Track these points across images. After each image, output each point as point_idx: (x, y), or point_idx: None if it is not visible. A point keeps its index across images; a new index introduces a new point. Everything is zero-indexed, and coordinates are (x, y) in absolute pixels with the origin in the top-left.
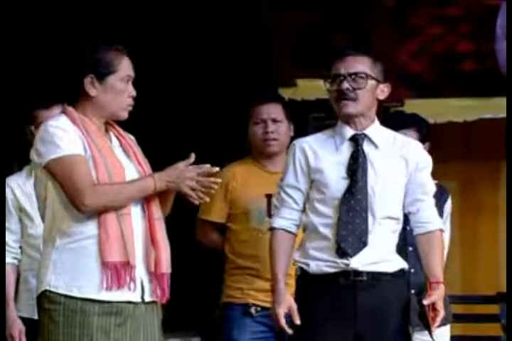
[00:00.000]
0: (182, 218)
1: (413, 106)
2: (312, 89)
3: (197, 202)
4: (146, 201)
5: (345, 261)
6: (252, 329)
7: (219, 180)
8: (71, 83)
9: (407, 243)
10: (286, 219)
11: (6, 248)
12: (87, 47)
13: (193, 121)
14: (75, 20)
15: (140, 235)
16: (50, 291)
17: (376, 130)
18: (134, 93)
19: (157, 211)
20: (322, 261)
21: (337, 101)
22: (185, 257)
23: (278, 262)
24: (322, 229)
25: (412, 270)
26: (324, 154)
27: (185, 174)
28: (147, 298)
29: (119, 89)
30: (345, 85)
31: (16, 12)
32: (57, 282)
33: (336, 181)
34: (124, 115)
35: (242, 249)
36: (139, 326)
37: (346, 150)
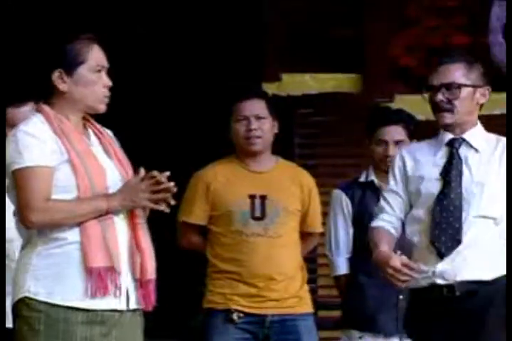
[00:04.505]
0: (160, 220)
1: (404, 101)
2: (298, 83)
3: (163, 209)
4: None
5: (436, 269)
6: (235, 336)
7: (171, 184)
8: (39, 80)
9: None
10: (384, 220)
11: None
12: (51, 40)
13: (174, 117)
14: (63, 17)
15: (124, 240)
16: (29, 298)
17: (476, 134)
18: (109, 83)
19: (140, 215)
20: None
21: (434, 112)
22: (164, 261)
23: (380, 243)
24: (416, 231)
25: None
26: (422, 159)
27: (138, 188)
28: (132, 306)
29: (90, 80)
30: (439, 97)
31: None
32: (37, 288)
33: (431, 183)
34: (102, 108)
35: (225, 253)
36: (124, 335)
37: (443, 154)
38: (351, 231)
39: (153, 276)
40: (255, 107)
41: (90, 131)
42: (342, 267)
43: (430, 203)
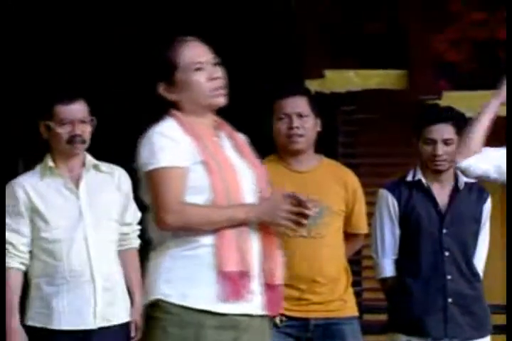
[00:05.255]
0: None
1: (451, 98)
2: (341, 80)
3: (295, 229)
4: None
5: None
6: (278, 340)
7: (311, 212)
8: (154, 97)
9: (443, 247)
10: None
11: (13, 251)
12: (142, 55)
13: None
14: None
15: (256, 244)
16: (162, 300)
17: None
18: (214, 75)
19: None
20: None
21: None
22: None
23: None
24: None
25: (449, 276)
26: None
27: (281, 206)
28: (262, 311)
29: (190, 81)
30: None
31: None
32: (170, 291)
33: None
34: (219, 101)
35: None
36: (254, 340)
37: None
38: (398, 232)
39: (281, 282)
40: (297, 105)
41: (222, 133)
42: (388, 269)
43: None
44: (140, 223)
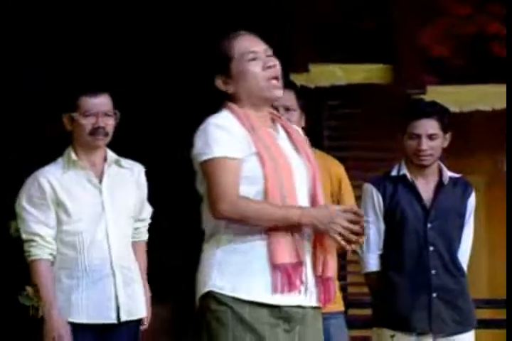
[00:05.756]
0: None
1: (436, 93)
2: (327, 75)
3: (349, 249)
4: (313, 200)
5: None
6: None
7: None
8: (212, 91)
9: (428, 242)
10: None
11: (43, 243)
12: (198, 50)
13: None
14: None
15: (307, 236)
16: (215, 292)
17: None
18: (269, 63)
19: None
20: None
21: None
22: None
23: None
24: None
25: (434, 271)
26: None
27: (337, 219)
28: (314, 303)
29: (246, 71)
30: None
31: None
32: (223, 283)
33: None
34: (275, 92)
35: None
36: (307, 332)
37: None
38: (382, 227)
39: (334, 274)
40: (284, 98)
41: (279, 126)
42: (373, 264)
43: None
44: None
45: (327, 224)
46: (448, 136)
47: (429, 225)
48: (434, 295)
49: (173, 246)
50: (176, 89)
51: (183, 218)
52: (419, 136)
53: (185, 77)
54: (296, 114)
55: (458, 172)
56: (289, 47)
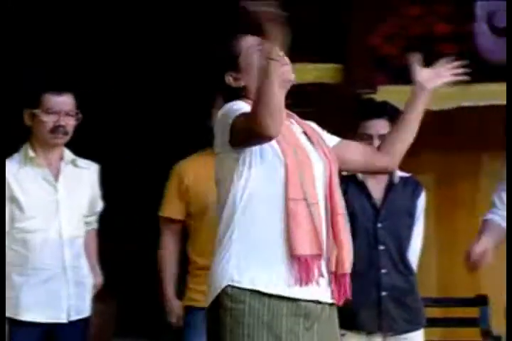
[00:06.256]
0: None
1: (387, 92)
2: (296, 72)
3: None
4: (330, 191)
5: None
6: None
7: None
8: (222, 89)
9: (378, 241)
10: (494, 213)
11: None
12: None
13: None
14: None
15: (325, 230)
16: (232, 286)
17: None
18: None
19: (341, 204)
20: None
21: None
22: (143, 256)
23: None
24: None
25: (384, 270)
26: None
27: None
28: (330, 299)
29: (252, 62)
30: None
31: None
32: (241, 277)
33: None
34: (287, 76)
35: (204, 247)
36: (324, 330)
37: None
38: None
39: (349, 271)
40: None
41: (292, 120)
42: None
43: None
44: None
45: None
46: None
47: (379, 224)
48: (384, 293)
49: (122, 242)
50: (134, 90)
51: (136, 215)
52: (370, 136)
53: (142, 79)
54: None
55: (408, 172)
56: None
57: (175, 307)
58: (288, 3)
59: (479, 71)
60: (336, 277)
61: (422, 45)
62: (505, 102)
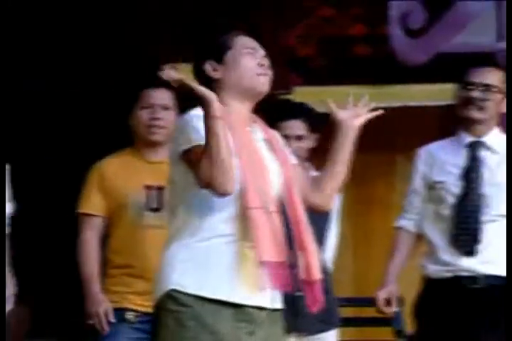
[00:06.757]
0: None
1: (302, 93)
2: (192, 76)
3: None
4: (290, 198)
5: (459, 262)
6: (129, 336)
7: None
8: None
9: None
10: (406, 219)
11: None
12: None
13: (79, 111)
14: None
15: (284, 233)
16: (177, 291)
17: (494, 136)
18: (264, 62)
19: (302, 212)
20: (439, 265)
21: (462, 106)
22: (53, 255)
23: (394, 254)
24: (437, 230)
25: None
26: (444, 160)
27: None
28: (277, 305)
29: (238, 62)
30: (476, 94)
31: None
32: (186, 281)
33: (452, 184)
34: (262, 87)
35: (120, 246)
36: (268, 335)
37: (464, 155)
38: None
39: (318, 277)
40: (164, 97)
41: (256, 126)
42: None
43: (451, 203)
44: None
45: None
46: (316, 136)
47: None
48: (299, 293)
49: (36, 245)
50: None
51: (49, 217)
52: (287, 138)
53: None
54: (172, 114)
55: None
56: (156, 44)
57: (104, 302)
58: (195, 4)
59: (394, 73)
60: (306, 284)
61: (337, 47)
62: (419, 103)
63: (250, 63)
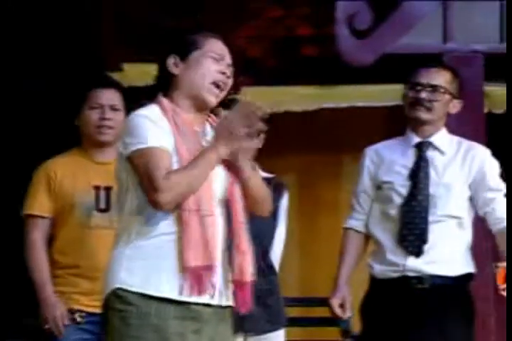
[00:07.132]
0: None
1: (250, 94)
2: (141, 74)
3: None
4: (231, 201)
5: (406, 262)
6: (76, 337)
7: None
8: (159, 67)
9: None
10: (355, 219)
11: None
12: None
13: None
14: None
15: (222, 239)
16: (122, 289)
17: (442, 137)
18: (226, 71)
19: (242, 213)
20: (385, 265)
21: (410, 107)
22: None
23: (344, 259)
24: (384, 230)
25: None
26: (391, 159)
27: (234, 123)
28: (224, 303)
29: (200, 63)
30: (423, 95)
31: None
32: (132, 280)
33: (399, 184)
34: (210, 98)
35: (68, 246)
36: (215, 333)
37: (411, 155)
38: None
39: (250, 279)
40: (112, 97)
41: (209, 128)
42: None
43: (398, 204)
44: None
45: (231, 133)
46: (261, 137)
47: None
48: None
49: None
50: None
51: None
52: None
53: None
54: (121, 114)
55: (270, 173)
56: (100, 46)
57: (60, 305)
58: (141, 5)
59: (341, 73)
60: (237, 285)
61: (285, 47)
62: (366, 104)
63: (211, 68)
